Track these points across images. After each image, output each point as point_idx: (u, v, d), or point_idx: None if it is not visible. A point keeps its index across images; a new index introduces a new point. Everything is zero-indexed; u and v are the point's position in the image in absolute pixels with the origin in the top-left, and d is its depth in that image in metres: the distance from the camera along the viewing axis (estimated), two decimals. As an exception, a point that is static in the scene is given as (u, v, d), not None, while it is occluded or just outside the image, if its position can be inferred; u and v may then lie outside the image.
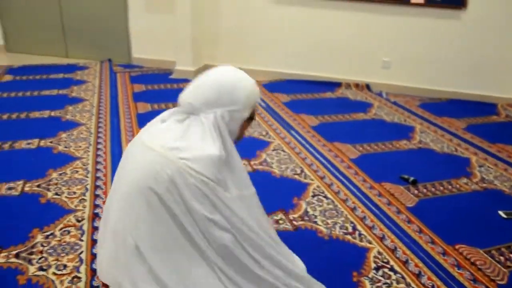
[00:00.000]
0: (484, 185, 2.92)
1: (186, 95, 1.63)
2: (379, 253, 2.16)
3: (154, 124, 1.66)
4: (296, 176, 2.87)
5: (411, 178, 2.87)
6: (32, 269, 1.89)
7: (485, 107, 4.62)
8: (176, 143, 1.53)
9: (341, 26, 4.90)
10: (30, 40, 5.74)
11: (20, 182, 2.58)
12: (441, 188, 2.84)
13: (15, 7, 5.60)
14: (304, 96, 4.64)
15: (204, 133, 1.53)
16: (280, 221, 2.35)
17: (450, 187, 2.86)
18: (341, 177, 2.89)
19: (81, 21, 5.51)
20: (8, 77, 4.72)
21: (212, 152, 1.50)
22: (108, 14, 5.40)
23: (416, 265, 2.08)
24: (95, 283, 1.82)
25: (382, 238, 2.27)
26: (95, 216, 2.28)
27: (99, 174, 2.74)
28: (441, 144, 3.57)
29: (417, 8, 4.62)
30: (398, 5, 4.65)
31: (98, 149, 3.09)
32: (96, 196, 2.48)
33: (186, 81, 4.82)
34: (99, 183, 2.63)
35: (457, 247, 2.24)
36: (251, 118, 1.68)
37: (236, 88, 1.58)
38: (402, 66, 4.88)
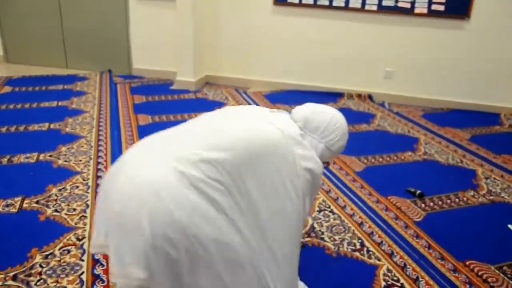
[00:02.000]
0: (492, 197, 2.87)
1: (304, 111, 1.69)
2: (388, 270, 2.10)
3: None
4: (301, 190, 2.81)
5: (418, 191, 2.81)
6: (31, 291, 1.82)
7: (488, 117, 4.59)
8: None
9: (343, 37, 4.87)
10: (29, 50, 5.70)
11: (19, 198, 2.52)
12: (448, 201, 2.79)
13: (15, 17, 5.57)
14: (306, 106, 4.59)
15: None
16: (286, 238, 2.29)
17: (457, 200, 2.81)
18: (347, 191, 2.84)
19: (81, 32, 5.48)
20: (7, 89, 4.67)
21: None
22: (109, 24, 5.37)
23: (427, 283, 2.02)
24: (96, 306, 1.76)
25: (391, 255, 2.21)
26: (96, 234, 2.22)
27: (100, 190, 2.67)
28: (446, 156, 3.52)
29: (420, 18, 4.60)
30: (401, 15, 4.62)
31: (98, 163, 3.04)
32: (97, 212, 2.42)
33: (187, 92, 4.78)
34: (99, 198, 2.57)
35: (467, 263, 2.19)
36: (327, 163, 1.80)
37: (344, 136, 1.70)
38: (405, 76, 4.85)
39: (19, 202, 2.48)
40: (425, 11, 4.56)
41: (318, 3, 4.79)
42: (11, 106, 4.13)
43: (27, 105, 4.18)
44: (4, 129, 3.56)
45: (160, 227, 1.17)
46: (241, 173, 1.32)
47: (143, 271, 1.18)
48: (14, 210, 2.41)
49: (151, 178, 1.23)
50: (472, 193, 2.92)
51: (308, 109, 1.70)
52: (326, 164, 1.77)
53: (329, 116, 1.67)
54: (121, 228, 1.22)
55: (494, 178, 3.16)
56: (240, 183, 1.32)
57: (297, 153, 1.50)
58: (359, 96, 4.94)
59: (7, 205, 2.45)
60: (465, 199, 2.83)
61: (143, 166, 1.28)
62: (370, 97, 4.93)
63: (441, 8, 4.51)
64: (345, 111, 3.64)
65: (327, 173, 3.06)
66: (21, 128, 3.60)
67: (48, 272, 1.94)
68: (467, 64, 4.66)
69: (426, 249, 2.28)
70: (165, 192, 1.20)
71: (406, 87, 4.88)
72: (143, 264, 1.17)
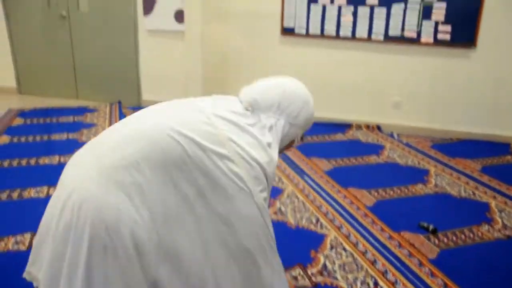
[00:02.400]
0: (507, 232, 2.81)
1: (252, 91, 1.56)
2: (403, 312, 2.05)
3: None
4: (312, 226, 2.77)
5: (431, 227, 2.77)
6: (40, 335, 1.79)
7: (498, 146, 4.55)
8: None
9: (350, 66, 4.90)
10: (41, 82, 5.81)
11: (28, 235, 2.51)
12: (463, 236, 2.74)
13: (27, 50, 5.70)
14: (315, 138, 4.58)
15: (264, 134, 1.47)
16: (299, 277, 2.25)
17: (471, 235, 2.76)
18: (358, 227, 2.79)
19: (92, 63, 5.58)
20: (19, 121, 4.72)
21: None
22: (119, 56, 5.46)
23: (444, 326, 1.97)
24: None
25: (405, 295, 2.17)
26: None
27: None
28: (458, 188, 3.47)
29: (426, 47, 4.62)
30: (408, 44, 4.65)
31: (108, 197, 3.02)
32: (107, 250, 2.40)
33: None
34: (109, 235, 2.55)
35: (485, 304, 2.13)
36: (300, 139, 1.66)
37: (306, 105, 1.54)
38: (413, 106, 4.85)
39: (28, 239, 2.47)
40: (431, 40, 4.58)
41: (325, 33, 4.84)
42: (23, 139, 4.16)
43: (38, 138, 4.21)
44: (15, 163, 3.58)
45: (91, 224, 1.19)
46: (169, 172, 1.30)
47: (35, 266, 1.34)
48: (23, 248, 2.39)
49: (75, 186, 1.25)
50: (486, 227, 2.86)
51: (256, 87, 1.58)
52: (300, 141, 1.66)
53: (281, 90, 1.54)
54: (44, 234, 1.31)
55: (509, 212, 3.10)
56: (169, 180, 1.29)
57: (234, 140, 1.39)
58: (368, 127, 4.93)
59: (17, 242, 2.44)
60: (479, 234, 2.78)
61: (72, 174, 1.31)
62: (378, 127, 4.92)
63: (447, 37, 4.53)
64: (354, 143, 3.60)
65: (338, 208, 3.03)
66: (32, 162, 3.62)
67: (57, 315, 1.91)
68: (475, 93, 4.65)
69: (442, 288, 2.23)
70: (89, 201, 1.21)
71: (415, 117, 4.87)
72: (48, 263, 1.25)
